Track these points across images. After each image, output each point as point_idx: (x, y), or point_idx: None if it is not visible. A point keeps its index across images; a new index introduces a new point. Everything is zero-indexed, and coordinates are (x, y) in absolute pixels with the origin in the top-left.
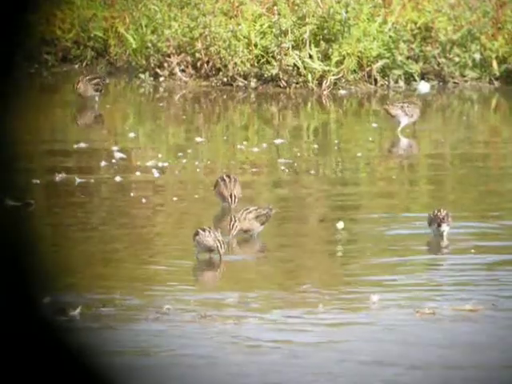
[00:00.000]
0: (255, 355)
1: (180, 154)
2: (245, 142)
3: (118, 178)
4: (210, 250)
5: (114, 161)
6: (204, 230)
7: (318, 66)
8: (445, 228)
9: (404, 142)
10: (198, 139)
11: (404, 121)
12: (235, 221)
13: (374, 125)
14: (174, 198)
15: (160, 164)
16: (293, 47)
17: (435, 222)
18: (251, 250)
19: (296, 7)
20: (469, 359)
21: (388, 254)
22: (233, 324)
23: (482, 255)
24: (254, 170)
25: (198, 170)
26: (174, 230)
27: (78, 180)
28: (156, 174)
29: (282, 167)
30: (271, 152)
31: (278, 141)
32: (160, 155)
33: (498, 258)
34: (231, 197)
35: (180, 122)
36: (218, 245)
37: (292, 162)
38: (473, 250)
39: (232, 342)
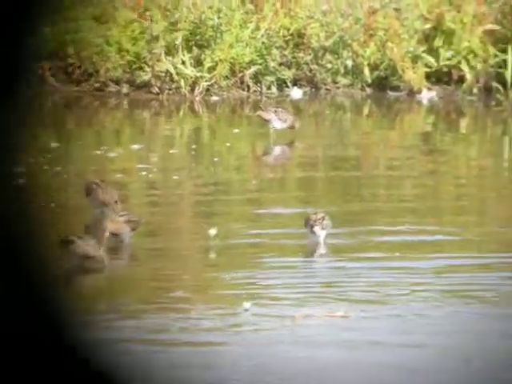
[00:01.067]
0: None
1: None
2: (104, 147)
3: None
4: (87, 258)
5: None
6: (80, 238)
7: (190, 72)
8: (319, 231)
9: (272, 147)
10: (54, 144)
11: (277, 125)
12: (106, 224)
13: (236, 130)
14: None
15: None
16: (165, 53)
17: (309, 224)
18: (123, 257)
19: (168, 13)
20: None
21: (263, 259)
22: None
23: (352, 261)
24: (115, 175)
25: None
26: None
27: None
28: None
29: (143, 172)
30: (130, 157)
31: (136, 146)
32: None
33: (368, 265)
34: (116, 203)
35: (45, 127)
36: (98, 254)
37: (151, 166)
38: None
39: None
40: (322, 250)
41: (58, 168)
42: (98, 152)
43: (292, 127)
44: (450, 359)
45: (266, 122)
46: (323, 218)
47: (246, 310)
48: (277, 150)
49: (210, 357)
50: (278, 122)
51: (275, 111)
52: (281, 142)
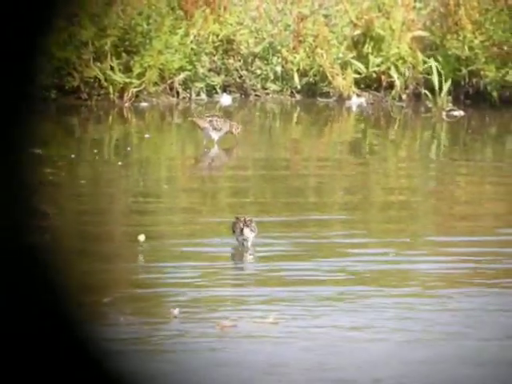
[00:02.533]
0: None
1: None
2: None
3: None
4: None
5: None
6: None
7: (119, 78)
8: (247, 234)
9: (204, 153)
10: None
11: (212, 135)
12: None
13: (146, 135)
14: None
15: None
16: (94, 59)
17: (237, 228)
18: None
19: (97, 18)
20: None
21: (193, 264)
22: None
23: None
24: None
25: None
26: None
27: None
28: None
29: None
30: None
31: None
32: None
33: (294, 273)
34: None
35: None
36: None
37: (54, 171)
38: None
39: None
40: (250, 253)
41: None
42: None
43: (230, 133)
44: None
45: (201, 129)
46: (251, 221)
47: (175, 316)
48: (207, 156)
49: (139, 365)
50: (213, 131)
51: (210, 120)
52: (211, 148)
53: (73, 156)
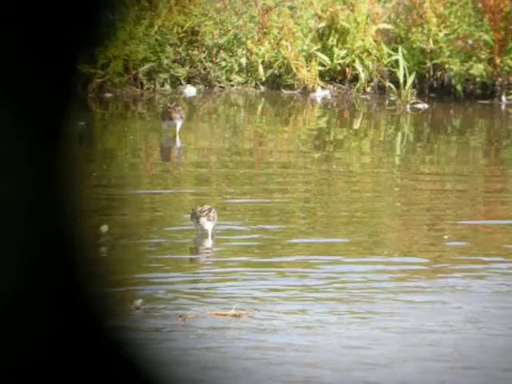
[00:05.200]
0: None
1: None
2: None
3: None
4: None
5: None
6: None
7: (83, 68)
8: (205, 223)
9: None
10: None
11: (179, 124)
12: None
13: (128, 127)
14: None
15: None
16: None
17: (194, 216)
18: None
19: None
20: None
21: (153, 256)
22: None
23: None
24: None
25: None
26: None
27: None
28: None
29: None
30: None
31: None
32: None
33: (262, 260)
34: None
35: None
36: None
37: None
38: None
39: None
40: (209, 243)
41: None
42: None
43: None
44: None
45: (171, 119)
46: (209, 210)
47: (138, 308)
48: (170, 146)
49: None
50: (181, 120)
51: (179, 110)
52: (175, 138)
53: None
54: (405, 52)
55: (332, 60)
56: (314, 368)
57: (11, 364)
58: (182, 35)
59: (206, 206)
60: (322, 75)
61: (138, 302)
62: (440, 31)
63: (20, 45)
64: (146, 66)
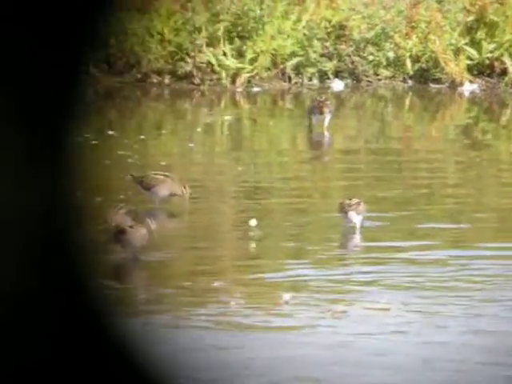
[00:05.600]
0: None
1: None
2: (142, 136)
3: None
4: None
5: None
6: (132, 227)
7: (231, 63)
8: (353, 216)
9: (328, 138)
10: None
11: (328, 118)
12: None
13: (275, 121)
14: None
15: None
16: (207, 44)
17: (343, 209)
18: (161, 247)
19: (210, 4)
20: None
21: (302, 251)
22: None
23: (398, 253)
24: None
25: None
26: None
27: None
28: None
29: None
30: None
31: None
32: None
33: (416, 256)
34: (185, 188)
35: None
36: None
37: (194, 157)
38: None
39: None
40: (358, 237)
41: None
42: (139, 139)
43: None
44: None
45: (322, 113)
46: (358, 204)
47: (286, 302)
48: (320, 140)
49: (249, 347)
50: (330, 114)
51: (328, 104)
52: (323, 132)
53: (191, 145)
54: None
55: (480, 54)
56: None
57: (11, 364)
58: (329, 30)
59: (355, 200)
60: (469, 69)
61: (287, 296)
62: None
63: (29, 49)
64: (294, 61)
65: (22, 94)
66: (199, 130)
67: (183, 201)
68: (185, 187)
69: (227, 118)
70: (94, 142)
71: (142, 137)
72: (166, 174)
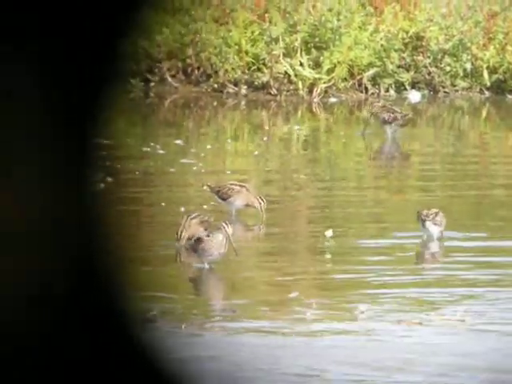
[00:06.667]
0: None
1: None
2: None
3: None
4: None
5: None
6: (208, 235)
7: (308, 73)
8: (431, 226)
9: (398, 149)
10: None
11: (398, 128)
12: (183, 229)
13: (353, 131)
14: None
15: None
16: (284, 55)
17: (420, 219)
18: (231, 257)
19: (287, 15)
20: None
21: (378, 262)
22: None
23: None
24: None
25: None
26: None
27: None
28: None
29: (259, 171)
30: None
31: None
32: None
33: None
34: (262, 199)
35: (165, 126)
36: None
37: (268, 168)
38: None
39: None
40: (435, 247)
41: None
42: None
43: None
44: None
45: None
46: (436, 214)
47: (362, 312)
48: (394, 150)
49: (324, 358)
50: (398, 124)
51: (388, 110)
52: (398, 142)
53: (256, 152)
54: None
55: None
56: None
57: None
58: (406, 40)
59: (433, 210)
60: None
61: (363, 306)
62: None
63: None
64: (371, 72)
65: (72, 101)
66: (265, 138)
67: (259, 211)
68: (261, 198)
69: (301, 127)
70: (160, 152)
71: (209, 146)
72: (242, 184)
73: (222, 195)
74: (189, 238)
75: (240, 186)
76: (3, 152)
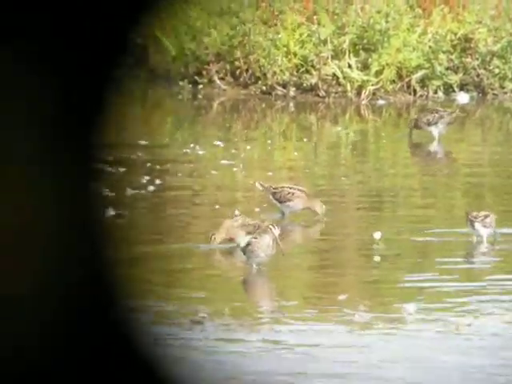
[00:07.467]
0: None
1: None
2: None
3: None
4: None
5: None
6: (256, 237)
7: (357, 75)
8: (480, 228)
9: (444, 152)
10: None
11: (433, 131)
12: (214, 232)
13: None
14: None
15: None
16: (332, 57)
17: (469, 220)
18: (275, 260)
19: (336, 17)
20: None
21: (426, 263)
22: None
23: None
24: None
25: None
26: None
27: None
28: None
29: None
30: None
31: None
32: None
33: None
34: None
35: (216, 128)
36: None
37: (317, 170)
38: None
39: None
40: (484, 250)
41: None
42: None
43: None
44: None
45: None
46: (485, 216)
47: (410, 314)
48: (440, 152)
49: (367, 360)
50: (445, 124)
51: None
52: (443, 144)
53: (295, 154)
54: None
55: None
56: None
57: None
58: (455, 42)
59: (483, 212)
60: None
61: (411, 306)
62: None
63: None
64: (420, 74)
65: (89, 105)
66: (312, 140)
67: (318, 215)
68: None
69: (349, 130)
70: (200, 152)
71: (249, 147)
72: (301, 188)
73: (281, 198)
74: (228, 240)
75: (299, 190)
76: (15, 152)
